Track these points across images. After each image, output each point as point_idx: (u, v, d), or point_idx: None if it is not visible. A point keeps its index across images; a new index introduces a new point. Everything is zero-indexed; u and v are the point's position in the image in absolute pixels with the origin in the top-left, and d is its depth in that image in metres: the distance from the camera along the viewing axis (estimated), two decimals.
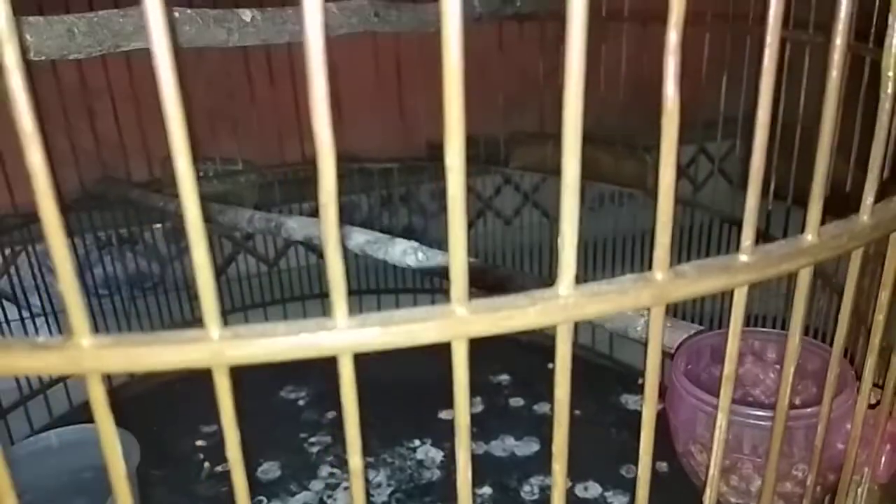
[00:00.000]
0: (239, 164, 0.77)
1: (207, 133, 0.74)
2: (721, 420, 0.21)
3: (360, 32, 0.48)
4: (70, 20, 0.37)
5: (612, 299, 0.18)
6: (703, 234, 0.70)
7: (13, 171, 0.70)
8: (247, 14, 0.42)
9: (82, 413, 0.70)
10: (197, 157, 0.16)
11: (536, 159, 0.79)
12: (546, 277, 0.77)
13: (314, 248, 1.02)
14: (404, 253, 0.53)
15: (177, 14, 0.40)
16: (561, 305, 0.18)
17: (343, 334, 0.17)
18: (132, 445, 0.62)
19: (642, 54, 0.68)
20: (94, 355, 0.16)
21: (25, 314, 0.86)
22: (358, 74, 0.81)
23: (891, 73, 0.21)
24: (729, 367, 0.21)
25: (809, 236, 0.21)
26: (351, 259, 0.95)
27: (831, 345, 0.24)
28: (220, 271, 1.05)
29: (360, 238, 0.55)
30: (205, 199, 0.65)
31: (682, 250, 0.71)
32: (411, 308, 0.17)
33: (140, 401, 0.70)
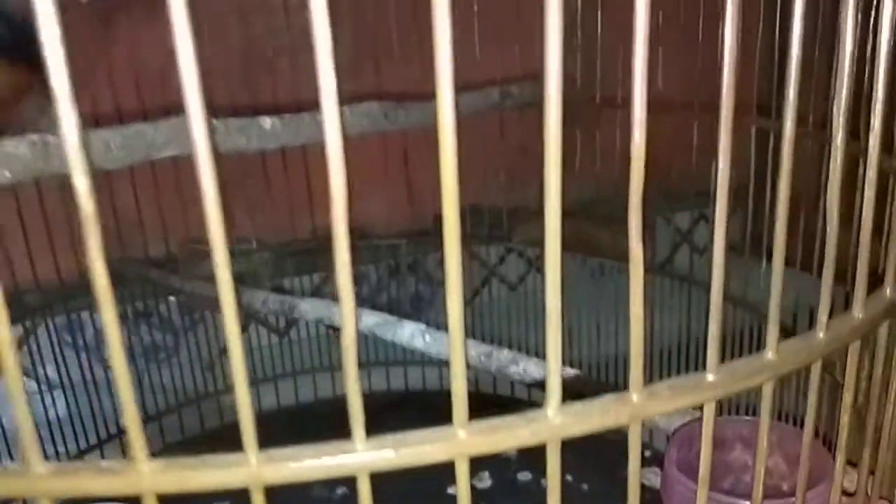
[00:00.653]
0: (253, 243, 0.81)
1: (224, 213, 0.78)
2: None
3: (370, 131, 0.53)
4: (106, 135, 0.41)
5: (594, 419, 0.21)
6: (704, 310, 0.73)
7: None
8: (266, 122, 0.47)
9: None
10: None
11: (538, 235, 0.83)
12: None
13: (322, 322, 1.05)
14: (412, 335, 0.56)
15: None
16: (549, 426, 0.21)
17: (361, 456, 0.20)
18: None
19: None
20: (151, 479, 0.19)
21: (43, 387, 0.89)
22: (367, 152, 0.86)
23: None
24: (703, 471, 0.24)
25: (770, 354, 0.24)
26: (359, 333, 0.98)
27: (825, 434, 0.27)
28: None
29: (370, 320, 0.59)
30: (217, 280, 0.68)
31: (683, 325, 0.74)
32: (418, 431, 0.21)
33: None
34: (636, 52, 0.20)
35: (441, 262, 1.20)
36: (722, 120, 0.23)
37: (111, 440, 0.84)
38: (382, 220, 1.04)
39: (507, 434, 0.21)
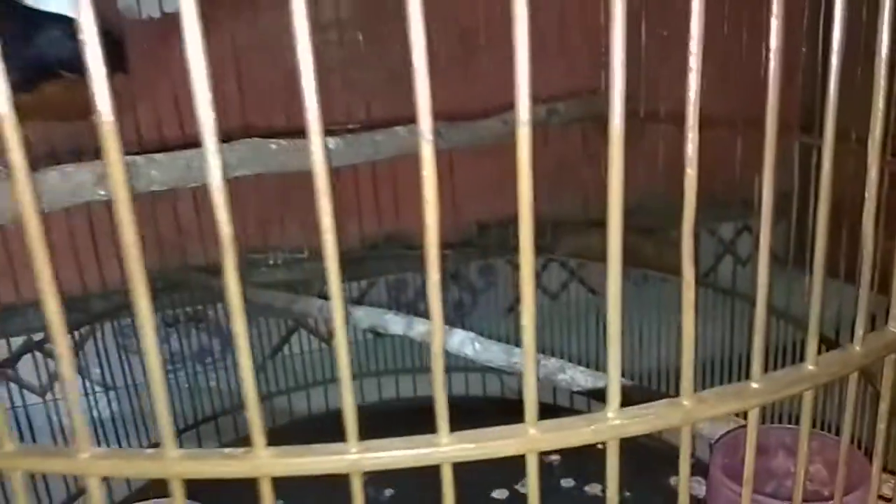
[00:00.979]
0: (305, 252, 0.85)
1: (277, 223, 0.83)
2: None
3: None
4: (188, 155, 0.46)
5: (649, 421, 0.24)
6: (747, 321, 0.75)
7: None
8: (331, 143, 0.51)
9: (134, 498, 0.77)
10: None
11: (582, 247, 0.85)
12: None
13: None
14: (462, 343, 0.59)
15: (273, 146, 0.49)
16: (610, 426, 0.24)
17: (445, 449, 0.23)
18: None
19: (680, 149, 0.75)
20: (269, 464, 0.23)
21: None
22: (414, 164, 0.89)
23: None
24: (748, 472, 0.26)
25: (810, 366, 0.26)
26: (402, 338, 1.02)
27: (866, 443, 0.29)
28: (278, 347, 1.13)
29: (421, 328, 0.62)
30: (276, 287, 0.73)
31: (726, 336, 0.75)
32: (494, 427, 0.24)
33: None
34: (691, 71, 0.23)
35: (482, 271, 1.23)
36: (767, 145, 0.26)
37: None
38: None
39: (571, 432, 0.24)
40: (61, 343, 0.22)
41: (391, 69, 0.91)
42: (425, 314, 0.66)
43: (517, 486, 0.76)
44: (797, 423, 0.48)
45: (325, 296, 0.76)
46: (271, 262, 0.85)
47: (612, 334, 0.23)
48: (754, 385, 0.25)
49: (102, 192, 0.42)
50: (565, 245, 0.89)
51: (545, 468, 0.79)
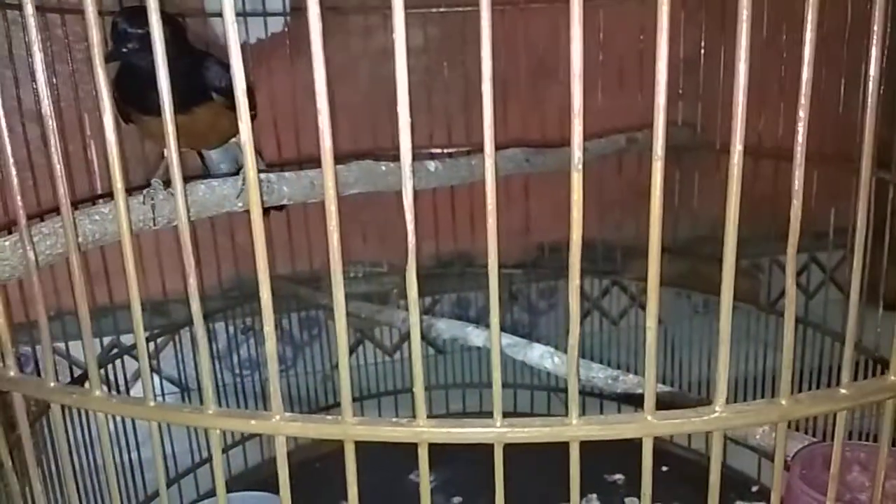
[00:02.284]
0: (384, 266, 0.91)
1: (359, 240, 0.89)
2: None
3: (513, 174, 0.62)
4: (311, 174, 0.52)
5: (752, 416, 0.28)
6: (815, 351, 0.78)
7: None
8: (431, 165, 0.57)
9: (236, 483, 0.83)
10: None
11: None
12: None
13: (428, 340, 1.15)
14: (542, 357, 0.64)
15: (383, 167, 0.55)
16: (716, 418, 0.28)
17: (576, 429, 0.28)
18: None
19: (755, 180, 0.78)
20: (429, 431, 0.28)
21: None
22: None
23: None
24: (834, 468, 0.30)
25: (893, 376, 0.30)
26: (475, 353, 1.07)
27: None
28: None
29: (503, 341, 0.67)
30: (358, 298, 0.79)
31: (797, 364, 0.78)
32: (617, 414, 0.28)
33: (295, 471, 0.81)
34: (800, 121, 0.28)
35: (544, 293, 1.28)
36: (862, 183, 0.30)
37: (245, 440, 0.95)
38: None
39: (684, 421, 0.28)
40: (200, 330, 0.28)
41: (468, 94, 0.97)
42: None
43: (583, 503, 0.79)
44: (825, 437, 0.51)
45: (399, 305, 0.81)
46: (352, 274, 0.91)
47: (723, 335, 0.28)
48: (843, 391, 0.30)
49: (241, 205, 0.48)
50: (632, 270, 0.93)
51: (608, 486, 0.83)
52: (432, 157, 0.60)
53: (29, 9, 0.27)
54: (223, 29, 0.83)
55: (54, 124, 0.28)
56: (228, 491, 0.76)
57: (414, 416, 0.28)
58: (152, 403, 0.29)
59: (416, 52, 0.97)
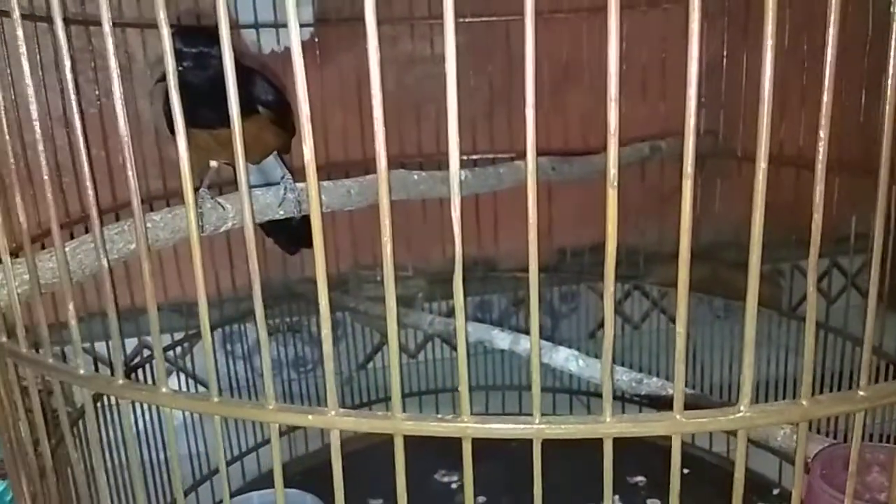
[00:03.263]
0: (409, 270, 0.94)
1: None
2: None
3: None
4: (348, 184, 0.55)
5: (775, 416, 0.31)
6: (836, 356, 0.79)
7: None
8: (463, 174, 0.59)
9: (265, 480, 0.86)
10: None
11: (673, 277, 0.91)
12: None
13: (453, 345, 1.18)
14: (567, 360, 0.66)
15: (415, 176, 0.57)
16: (741, 417, 0.30)
17: (610, 426, 0.30)
18: None
19: (777, 187, 0.80)
20: (473, 427, 0.30)
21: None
22: (515, 192, 0.97)
23: None
24: (853, 466, 0.33)
25: None
26: (498, 358, 1.09)
27: None
28: (365, 362, 1.22)
29: (527, 344, 0.69)
30: (384, 302, 0.81)
31: (817, 369, 0.80)
32: (648, 413, 0.31)
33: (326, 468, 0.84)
34: (820, 141, 0.30)
35: (565, 296, 1.30)
36: (880, 192, 0.32)
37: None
38: (512, 254, 1.15)
39: (710, 420, 0.31)
40: (262, 332, 0.30)
41: (492, 102, 1.00)
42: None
43: None
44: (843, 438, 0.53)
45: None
46: (378, 278, 0.94)
47: (748, 337, 0.30)
48: (861, 393, 0.32)
49: (282, 213, 0.51)
50: (654, 274, 0.95)
51: (630, 488, 0.85)
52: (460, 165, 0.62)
53: (165, 35, 0.30)
54: (253, 38, 0.86)
55: (130, 148, 0.31)
56: (264, 487, 0.79)
57: (457, 413, 0.31)
58: (216, 399, 0.32)
59: (441, 60, 0.99)
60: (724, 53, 0.89)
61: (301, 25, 0.91)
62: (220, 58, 0.29)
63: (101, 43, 0.77)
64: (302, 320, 1.18)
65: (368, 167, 0.83)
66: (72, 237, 0.48)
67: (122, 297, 0.88)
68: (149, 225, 0.47)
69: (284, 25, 0.86)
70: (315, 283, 0.86)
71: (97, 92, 0.77)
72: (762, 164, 0.28)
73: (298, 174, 0.85)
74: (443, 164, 0.92)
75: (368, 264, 0.94)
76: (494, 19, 0.93)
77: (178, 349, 0.97)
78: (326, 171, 0.85)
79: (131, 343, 1.03)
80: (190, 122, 0.53)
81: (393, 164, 0.62)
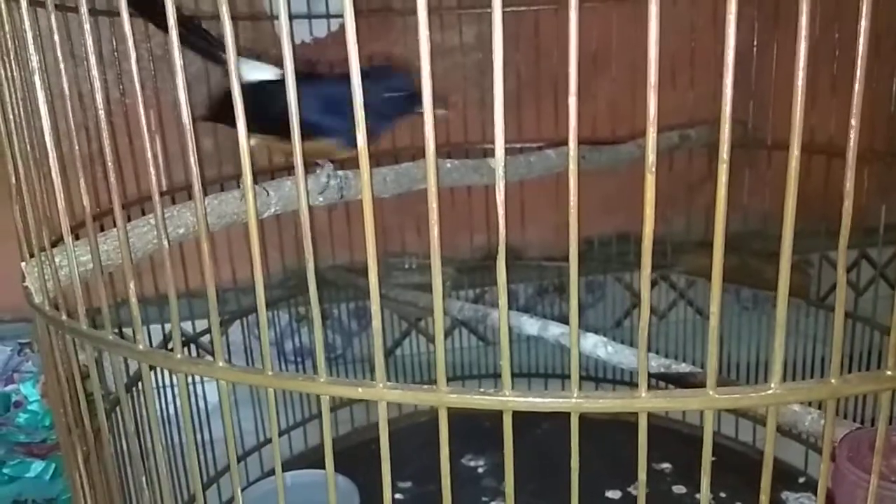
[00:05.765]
0: None
1: (414, 233, 0.94)
2: (874, 481, 0.34)
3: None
4: (384, 171, 0.57)
5: (804, 393, 0.32)
6: (864, 345, 0.80)
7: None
8: (493, 161, 0.61)
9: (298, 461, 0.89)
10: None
11: (700, 266, 0.92)
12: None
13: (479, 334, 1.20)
14: (595, 346, 0.68)
15: (448, 165, 0.59)
16: (773, 394, 0.32)
17: (645, 401, 0.32)
18: (353, 493, 0.79)
19: (807, 176, 0.81)
20: (514, 400, 0.32)
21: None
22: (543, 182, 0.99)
23: None
24: (879, 443, 0.34)
25: None
26: (524, 346, 1.11)
27: None
28: (392, 349, 1.24)
29: (555, 330, 0.71)
30: (413, 288, 0.84)
31: (844, 360, 0.81)
32: (683, 389, 0.32)
33: (355, 451, 0.86)
34: (852, 129, 0.31)
35: (589, 286, 1.31)
36: None
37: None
38: (537, 242, 1.17)
39: (742, 397, 0.32)
40: (315, 310, 0.32)
41: (519, 91, 1.01)
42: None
43: (630, 489, 0.83)
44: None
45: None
46: (406, 265, 0.96)
47: (780, 319, 0.31)
48: (889, 372, 0.33)
49: (321, 199, 0.53)
50: (681, 263, 0.96)
51: (656, 474, 0.86)
52: (484, 154, 0.64)
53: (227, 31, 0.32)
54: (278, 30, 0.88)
55: (194, 143, 0.33)
56: (291, 468, 0.81)
57: (499, 387, 0.33)
58: (270, 373, 0.34)
59: (469, 50, 1.01)
60: (754, 42, 0.90)
61: (330, 16, 0.94)
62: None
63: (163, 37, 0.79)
64: (331, 307, 1.21)
65: (398, 156, 0.85)
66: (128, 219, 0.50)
67: (162, 283, 0.91)
68: (192, 212, 0.49)
69: (318, 16, 0.89)
70: (345, 270, 0.88)
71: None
72: (795, 152, 0.30)
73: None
74: (470, 153, 0.93)
75: (397, 252, 0.96)
76: (524, 9, 0.94)
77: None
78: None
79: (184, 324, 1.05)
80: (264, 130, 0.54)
81: (419, 152, 0.64)
